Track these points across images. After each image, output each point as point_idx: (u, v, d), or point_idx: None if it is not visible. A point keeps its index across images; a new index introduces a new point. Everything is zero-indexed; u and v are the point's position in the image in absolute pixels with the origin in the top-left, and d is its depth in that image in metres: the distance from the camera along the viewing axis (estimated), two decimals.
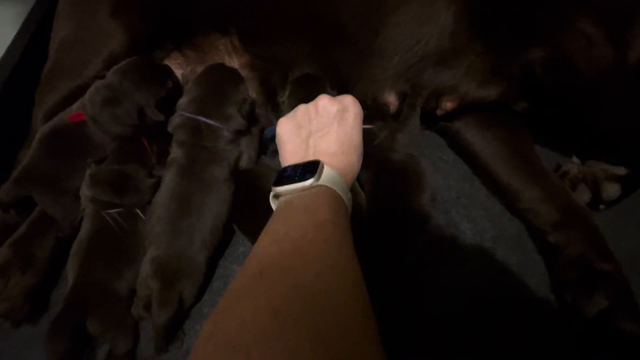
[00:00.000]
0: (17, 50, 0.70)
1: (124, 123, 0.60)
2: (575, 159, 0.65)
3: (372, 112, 0.65)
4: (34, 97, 0.67)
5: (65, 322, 0.53)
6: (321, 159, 0.43)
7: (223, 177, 0.58)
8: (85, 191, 0.58)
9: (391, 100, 0.69)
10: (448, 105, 0.67)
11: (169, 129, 0.59)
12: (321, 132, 0.47)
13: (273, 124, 0.65)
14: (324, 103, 0.49)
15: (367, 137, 0.58)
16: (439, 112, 0.68)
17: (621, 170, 0.60)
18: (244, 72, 0.68)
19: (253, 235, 0.60)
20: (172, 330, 0.55)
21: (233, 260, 0.63)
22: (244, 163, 0.61)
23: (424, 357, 0.54)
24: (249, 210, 0.61)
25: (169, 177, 0.58)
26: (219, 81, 0.60)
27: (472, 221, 0.65)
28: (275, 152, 0.69)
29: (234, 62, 0.68)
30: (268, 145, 0.67)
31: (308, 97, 0.60)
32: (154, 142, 0.63)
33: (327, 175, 0.41)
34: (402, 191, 0.58)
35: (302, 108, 0.50)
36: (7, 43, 0.70)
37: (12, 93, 0.68)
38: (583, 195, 0.62)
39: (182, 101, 0.60)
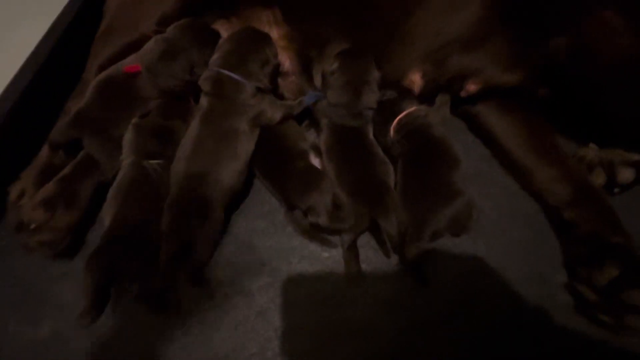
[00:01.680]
0: (72, 11, 0.76)
1: (176, 76, 0.65)
2: (592, 145, 0.68)
3: (399, 94, 0.69)
4: (86, 52, 0.72)
5: (102, 254, 0.56)
6: None
7: (241, 129, 0.61)
8: (128, 139, 0.63)
9: (416, 79, 0.72)
10: (472, 87, 0.70)
11: (199, 81, 0.63)
12: None
13: (308, 93, 0.69)
14: None
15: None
16: (462, 94, 0.72)
17: (636, 156, 0.63)
18: (282, 43, 0.73)
19: (279, 193, 0.64)
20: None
21: (259, 216, 0.67)
22: (265, 120, 0.64)
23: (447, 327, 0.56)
24: (274, 169, 0.64)
25: (192, 124, 0.62)
26: (246, 41, 0.64)
27: (489, 198, 0.68)
28: (310, 126, 0.74)
29: (274, 33, 0.72)
30: (308, 112, 0.70)
31: (358, 74, 0.65)
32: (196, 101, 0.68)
33: None
34: (438, 166, 0.60)
35: None
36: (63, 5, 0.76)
37: (66, 50, 0.74)
38: (598, 178, 0.64)
39: (213, 57, 0.64)
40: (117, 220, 0.58)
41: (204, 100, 0.63)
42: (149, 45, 0.65)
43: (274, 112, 0.65)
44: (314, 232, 0.61)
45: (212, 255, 0.61)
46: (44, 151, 0.67)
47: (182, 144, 0.62)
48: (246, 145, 0.62)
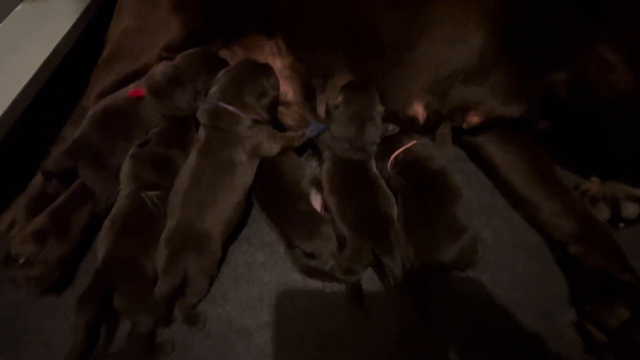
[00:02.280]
0: (73, 37, 0.76)
1: (180, 103, 0.64)
2: (594, 179, 0.68)
3: (403, 124, 0.69)
4: (84, 78, 0.72)
5: (95, 291, 0.54)
6: None
7: (238, 160, 0.61)
8: (126, 169, 0.61)
9: (419, 111, 0.72)
10: (474, 119, 0.71)
11: (197, 113, 0.63)
12: None
13: (311, 125, 0.69)
14: None
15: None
16: (464, 125, 0.72)
17: (639, 192, 0.63)
18: (286, 73, 0.72)
19: (278, 226, 0.62)
20: (181, 308, 0.56)
21: (258, 248, 0.65)
22: (263, 152, 0.64)
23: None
24: (274, 206, 0.63)
25: (190, 156, 0.62)
26: (243, 73, 0.64)
27: (493, 230, 0.67)
28: (311, 156, 0.73)
29: (277, 63, 0.72)
30: (311, 143, 0.70)
31: (362, 109, 0.65)
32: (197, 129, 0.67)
33: None
34: (439, 200, 0.60)
35: None
36: (65, 31, 0.76)
37: (65, 76, 0.73)
38: (603, 213, 0.64)
39: (212, 89, 0.64)
40: (112, 254, 0.56)
41: (201, 132, 0.63)
42: (156, 69, 0.65)
43: (271, 144, 0.64)
44: (314, 271, 0.59)
45: (208, 291, 0.59)
46: (37, 179, 0.65)
47: (180, 175, 0.61)
48: (243, 177, 0.61)
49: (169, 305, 0.55)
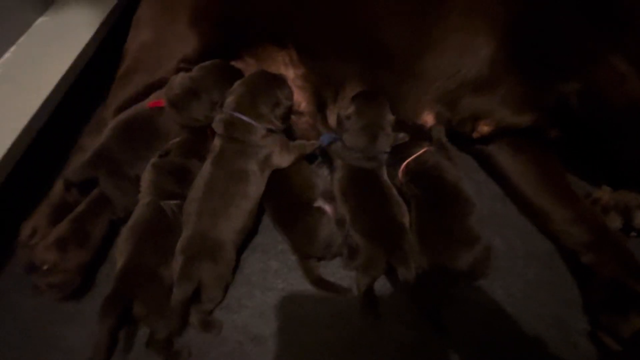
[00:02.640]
0: (91, 50, 0.78)
1: (198, 114, 0.66)
2: (605, 187, 0.68)
3: (413, 132, 0.70)
4: (98, 91, 0.74)
5: (117, 298, 0.55)
6: None
7: (251, 170, 0.62)
8: (147, 179, 0.63)
9: (430, 120, 0.73)
10: (484, 129, 0.71)
11: (213, 124, 0.64)
12: None
13: (323, 134, 0.70)
14: None
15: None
16: (475, 135, 0.72)
17: None
18: (298, 83, 0.74)
19: (290, 236, 0.63)
20: (202, 317, 0.57)
21: (272, 256, 0.66)
22: (276, 161, 0.65)
23: None
24: (286, 211, 0.64)
25: (205, 165, 0.63)
26: (257, 84, 0.66)
27: (504, 238, 0.67)
28: (322, 164, 0.74)
29: (290, 73, 0.74)
30: (322, 151, 0.71)
31: (374, 119, 0.66)
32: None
33: None
34: (453, 209, 0.60)
35: None
36: (83, 44, 0.78)
37: (84, 88, 0.75)
38: (615, 222, 0.64)
39: (227, 100, 0.65)
40: (132, 262, 0.58)
41: (216, 142, 0.64)
42: (175, 81, 0.67)
43: (283, 154, 0.66)
44: (325, 283, 0.60)
45: (223, 298, 0.60)
46: (58, 188, 0.67)
47: (194, 185, 0.62)
48: (256, 186, 0.63)
49: (184, 312, 0.56)
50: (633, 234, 0.64)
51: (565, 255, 0.64)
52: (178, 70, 0.69)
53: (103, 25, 0.82)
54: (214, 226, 0.58)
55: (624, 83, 0.60)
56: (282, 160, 0.66)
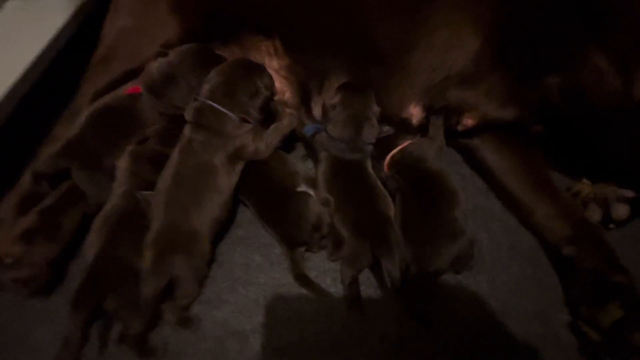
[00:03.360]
0: (65, 34, 0.74)
1: (176, 100, 0.63)
2: (585, 181, 0.69)
3: (397, 126, 0.70)
4: (73, 78, 0.70)
5: (89, 292, 0.52)
6: None
7: (219, 163, 0.59)
8: (124, 167, 0.60)
9: (415, 113, 0.73)
10: (469, 122, 0.72)
11: (185, 112, 0.61)
12: None
13: (307, 125, 0.69)
14: None
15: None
16: (459, 128, 0.72)
17: (629, 193, 0.64)
18: (283, 74, 0.72)
19: (276, 225, 0.61)
20: (185, 312, 0.55)
21: (254, 250, 0.64)
22: (250, 153, 0.62)
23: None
24: (269, 202, 0.63)
25: (173, 154, 0.60)
26: (235, 72, 0.63)
27: (488, 232, 0.67)
28: (306, 157, 0.73)
29: (274, 63, 0.72)
30: (306, 143, 0.70)
31: (359, 110, 0.65)
32: None
33: None
34: (438, 202, 0.60)
35: None
36: (57, 29, 0.74)
37: (57, 74, 0.72)
38: (594, 214, 0.65)
39: (203, 88, 0.63)
40: (104, 254, 0.55)
41: (185, 130, 0.61)
42: (151, 67, 0.64)
43: (258, 144, 0.62)
44: (308, 281, 0.59)
45: (199, 291, 0.58)
46: (26, 178, 0.63)
47: (162, 174, 0.59)
48: (227, 179, 0.60)
49: (155, 308, 0.53)
50: (612, 226, 0.65)
51: (547, 248, 0.64)
52: (158, 57, 0.66)
53: (80, 8, 0.78)
54: (185, 218, 0.56)
55: (604, 79, 0.61)
56: (259, 150, 0.63)
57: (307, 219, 0.60)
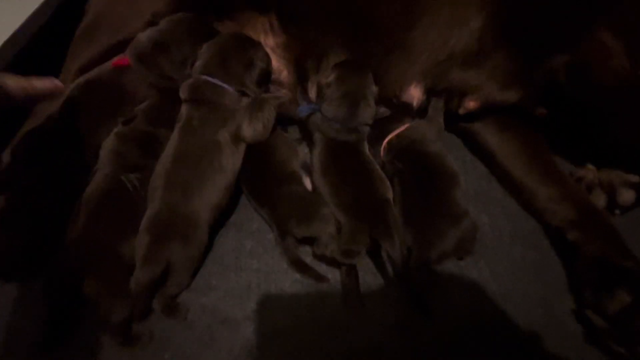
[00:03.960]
0: (51, 5, 0.70)
1: (167, 69, 0.60)
2: (590, 166, 0.67)
3: (396, 107, 0.67)
4: (61, 50, 0.66)
5: (63, 275, 0.49)
6: None
7: (223, 140, 0.56)
8: (109, 147, 0.57)
9: (416, 94, 0.70)
10: (471, 104, 0.69)
11: (180, 90, 0.59)
12: None
13: (301, 105, 0.66)
14: None
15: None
16: (461, 111, 0.70)
17: (635, 178, 0.62)
18: (279, 52, 0.69)
19: (266, 210, 0.58)
20: (169, 299, 0.52)
21: (246, 235, 0.61)
22: (251, 131, 0.59)
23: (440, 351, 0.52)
24: (264, 191, 0.60)
25: (172, 135, 0.57)
26: (228, 44, 0.61)
27: (490, 217, 0.65)
28: (301, 140, 0.70)
29: (270, 41, 0.69)
30: (301, 125, 0.67)
31: (355, 88, 0.62)
32: None
33: None
34: (437, 184, 0.58)
35: None
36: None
37: (41, 47, 0.68)
38: (599, 200, 0.63)
39: (195, 64, 0.60)
40: (83, 237, 0.51)
41: (182, 109, 0.58)
42: (141, 35, 0.61)
43: (256, 127, 0.59)
44: (303, 266, 0.56)
45: (191, 281, 0.55)
46: (5, 157, 0.59)
47: (162, 157, 0.56)
48: (232, 158, 0.57)
49: (148, 297, 0.51)
50: (617, 211, 0.63)
51: (550, 233, 0.62)
52: (147, 25, 0.63)
53: None
54: (185, 202, 0.53)
55: (612, 59, 0.59)
56: (256, 131, 0.59)
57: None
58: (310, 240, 0.56)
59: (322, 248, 0.54)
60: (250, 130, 0.59)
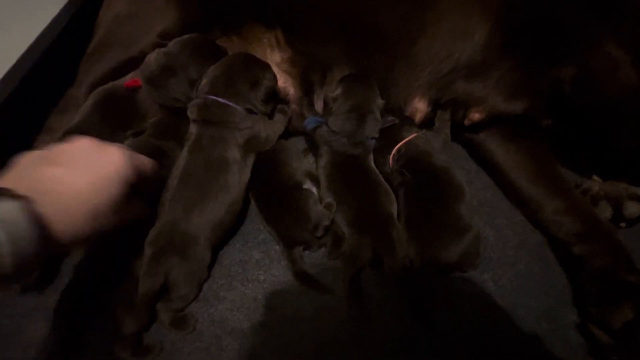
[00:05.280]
0: (60, 23, 0.72)
1: (175, 93, 0.61)
2: (596, 178, 0.67)
3: (402, 116, 0.68)
4: (68, 68, 0.68)
5: (79, 289, 0.51)
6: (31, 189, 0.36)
7: (232, 157, 0.57)
8: None
9: (421, 106, 0.71)
10: (476, 116, 0.69)
11: (187, 110, 0.60)
12: (58, 166, 0.40)
13: (308, 118, 0.67)
14: (83, 142, 0.45)
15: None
16: (466, 122, 0.70)
17: None
18: (284, 67, 0.70)
19: (273, 223, 0.60)
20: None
21: (253, 246, 0.62)
22: (260, 143, 0.61)
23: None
24: (269, 198, 0.61)
25: (182, 153, 0.59)
26: (234, 64, 0.62)
27: (495, 229, 0.65)
28: (307, 151, 0.71)
29: (276, 56, 0.70)
30: (307, 137, 0.68)
31: (362, 102, 0.63)
32: None
33: None
34: (442, 197, 0.58)
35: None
36: (52, 16, 0.72)
37: (51, 63, 0.70)
38: (605, 212, 0.62)
39: (202, 84, 0.61)
40: (95, 250, 0.53)
41: (192, 129, 0.60)
42: (150, 57, 0.63)
43: (268, 134, 0.61)
44: (308, 278, 0.57)
45: (196, 295, 0.56)
46: None
47: (172, 173, 0.58)
48: (239, 176, 0.58)
49: (148, 308, 0.52)
50: (622, 224, 0.63)
51: (555, 246, 0.62)
52: (156, 46, 0.64)
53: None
54: (186, 219, 0.54)
55: (619, 70, 0.59)
56: (267, 140, 0.62)
57: (309, 217, 0.58)
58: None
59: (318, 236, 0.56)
60: (264, 136, 0.61)
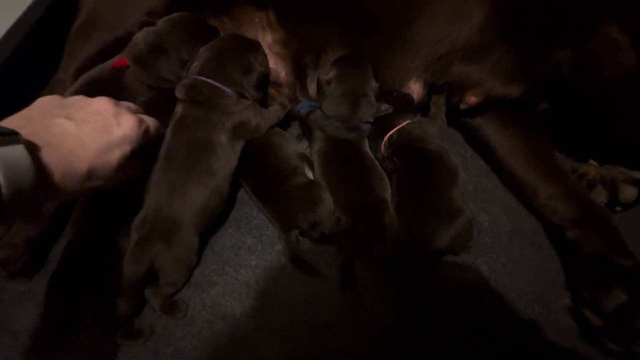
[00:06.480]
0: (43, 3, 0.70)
1: (164, 73, 0.59)
2: (592, 162, 0.66)
3: (397, 102, 0.67)
4: (54, 49, 0.66)
5: (68, 273, 0.50)
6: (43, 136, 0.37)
7: (217, 141, 0.55)
8: None
9: (417, 89, 0.69)
10: (472, 99, 0.68)
11: (175, 90, 0.58)
12: (70, 119, 0.41)
13: (301, 102, 0.65)
14: (102, 103, 0.45)
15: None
16: (462, 106, 0.69)
17: (638, 175, 0.61)
18: (277, 49, 0.68)
19: (268, 208, 0.59)
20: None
21: (246, 232, 0.62)
22: (250, 131, 0.59)
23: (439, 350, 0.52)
24: (265, 183, 0.60)
25: (166, 133, 0.56)
26: (227, 47, 0.60)
27: (489, 214, 0.65)
28: (302, 136, 0.70)
29: (268, 37, 0.68)
30: (301, 122, 0.66)
31: (356, 85, 0.61)
32: None
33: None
34: (435, 181, 0.57)
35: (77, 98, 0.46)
36: None
37: (34, 46, 0.67)
38: (600, 196, 0.62)
39: (193, 65, 0.59)
40: (86, 234, 0.53)
41: (178, 108, 0.58)
42: (138, 36, 0.60)
43: (259, 122, 0.60)
44: (302, 263, 0.56)
45: (186, 281, 0.55)
46: None
47: (159, 155, 0.56)
48: (224, 161, 0.56)
49: (135, 294, 0.51)
50: (618, 208, 0.62)
51: (550, 231, 0.62)
52: (143, 25, 0.61)
53: None
54: (169, 203, 0.52)
55: (619, 53, 0.58)
56: (258, 129, 0.60)
57: (313, 203, 0.56)
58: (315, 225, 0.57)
59: (324, 229, 0.55)
60: (254, 124, 0.59)
